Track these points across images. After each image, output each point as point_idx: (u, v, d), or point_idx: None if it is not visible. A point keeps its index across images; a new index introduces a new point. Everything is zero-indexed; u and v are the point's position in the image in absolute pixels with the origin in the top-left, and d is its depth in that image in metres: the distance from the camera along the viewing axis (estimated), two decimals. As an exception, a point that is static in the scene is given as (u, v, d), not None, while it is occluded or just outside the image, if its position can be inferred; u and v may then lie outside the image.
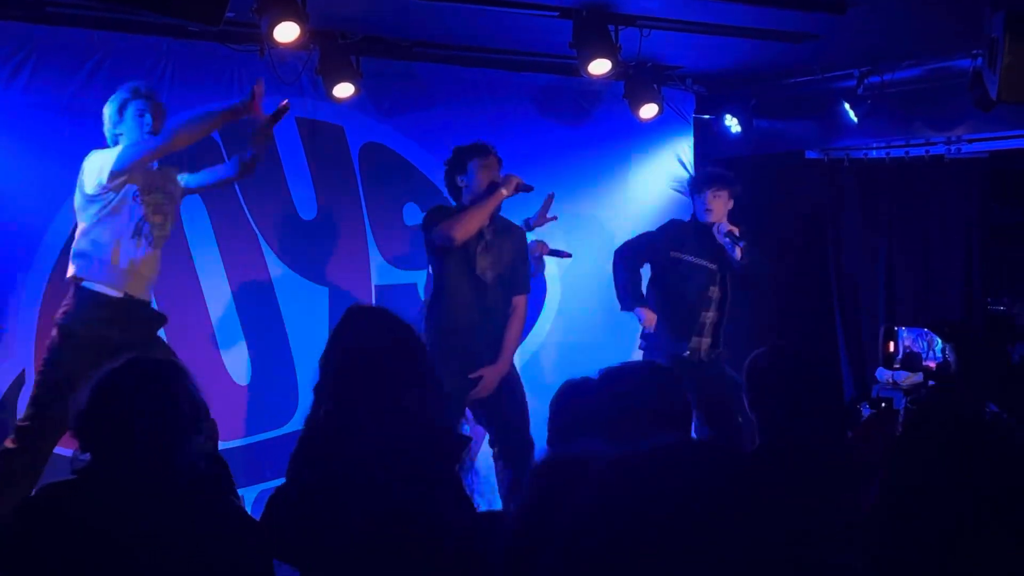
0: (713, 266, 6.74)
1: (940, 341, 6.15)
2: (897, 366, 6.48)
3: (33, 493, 2.97)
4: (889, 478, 2.13)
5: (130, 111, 5.36)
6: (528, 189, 6.05)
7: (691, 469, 1.43)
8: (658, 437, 1.46)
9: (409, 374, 3.13)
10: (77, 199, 5.36)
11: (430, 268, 6.26)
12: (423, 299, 6.53)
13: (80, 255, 5.31)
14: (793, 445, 3.45)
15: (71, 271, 5.33)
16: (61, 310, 5.32)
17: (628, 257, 6.90)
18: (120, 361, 2.99)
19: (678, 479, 1.41)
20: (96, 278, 5.28)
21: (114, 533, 2.76)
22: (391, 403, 3.06)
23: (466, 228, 5.82)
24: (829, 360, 8.11)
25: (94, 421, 2.89)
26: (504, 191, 5.89)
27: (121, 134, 5.37)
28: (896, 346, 6.49)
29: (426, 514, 2.93)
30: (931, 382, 5.78)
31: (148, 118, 5.35)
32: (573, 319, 7.75)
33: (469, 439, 3.33)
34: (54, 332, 5.32)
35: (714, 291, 6.77)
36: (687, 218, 7.00)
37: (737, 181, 6.80)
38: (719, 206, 6.69)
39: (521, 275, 6.15)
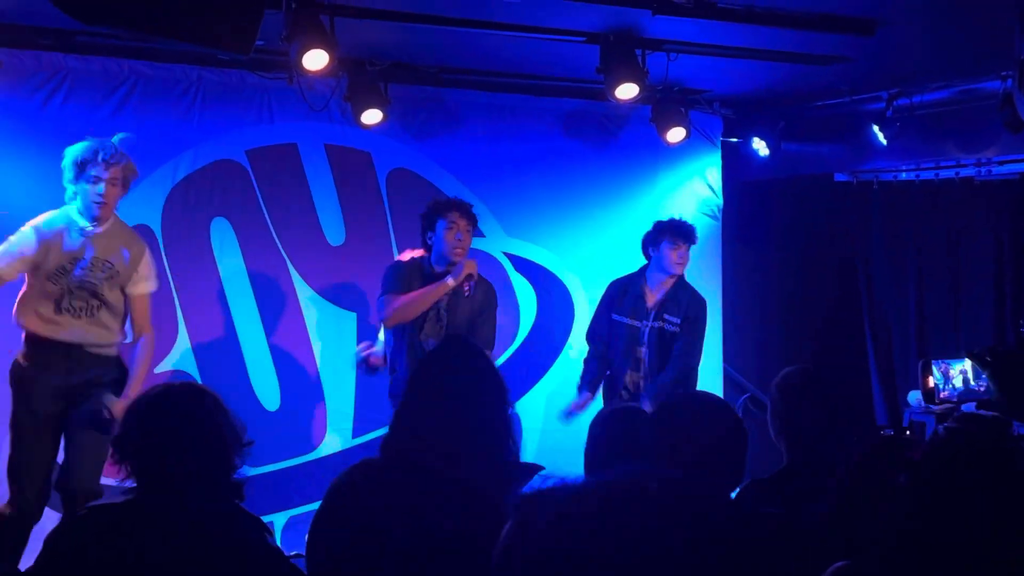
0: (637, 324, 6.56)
1: (961, 371, 6.10)
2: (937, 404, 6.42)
3: (80, 514, 2.96)
4: (913, 499, 2.11)
5: (88, 173, 5.17)
6: (473, 282, 5.87)
7: (651, 505, 1.39)
8: (621, 468, 1.43)
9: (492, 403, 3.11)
10: None
11: None
12: None
13: None
14: (822, 464, 3.44)
15: None
16: None
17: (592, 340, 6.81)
18: (156, 389, 3.00)
19: (639, 514, 1.38)
20: None
21: (156, 556, 2.76)
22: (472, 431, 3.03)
23: (400, 316, 5.76)
24: (860, 382, 8.07)
25: (137, 448, 2.89)
26: (451, 282, 5.75)
27: (76, 194, 5.20)
28: (934, 379, 6.44)
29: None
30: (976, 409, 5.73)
31: (101, 187, 5.17)
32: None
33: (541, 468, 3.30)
34: None
35: (640, 351, 6.58)
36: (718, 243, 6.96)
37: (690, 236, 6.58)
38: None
39: (481, 335, 5.87)
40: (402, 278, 5.84)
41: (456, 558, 2.75)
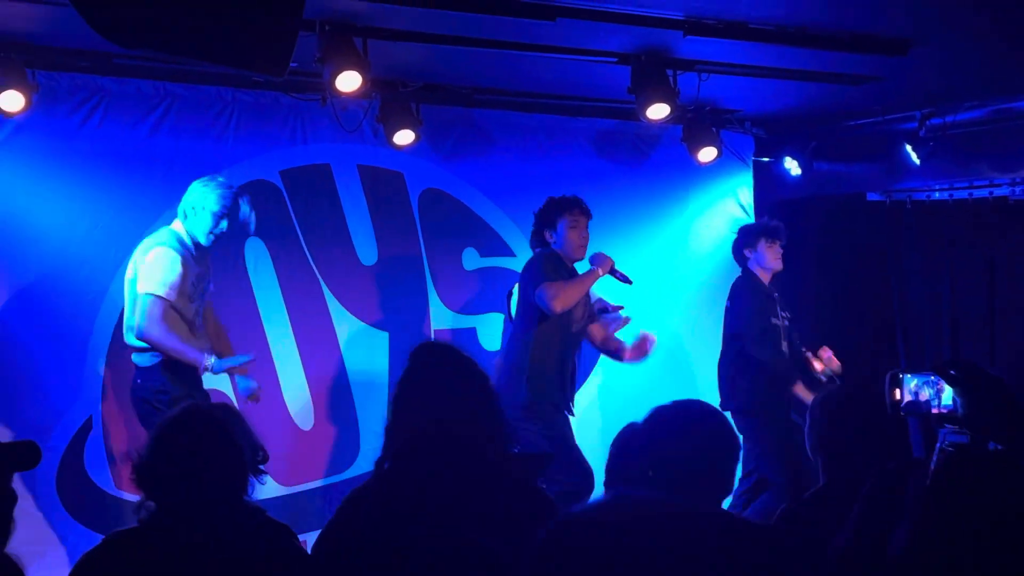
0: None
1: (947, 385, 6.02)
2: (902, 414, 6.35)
3: (101, 541, 3.00)
4: (921, 521, 2.10)
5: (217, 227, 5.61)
6: (625, 281, 6.36)
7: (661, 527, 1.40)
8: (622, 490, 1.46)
9: (479, 406, 3.13)
10: None
11: (513, 314, 6.36)
12: (504, 344, 6.53)
13: None
14: (856, 483, 3.42)
15: None
16: None
17: None
18: (178, 409, 3.03)
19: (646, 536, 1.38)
20: None
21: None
22: (463, 436, 3.05)
23: (565, 302, 6.02)
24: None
25: (155, 469, 2.92)
26: (600, 271, 6.18)
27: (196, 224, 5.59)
28: (902, 393, 6.36)
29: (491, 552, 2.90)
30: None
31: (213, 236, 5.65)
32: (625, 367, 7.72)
33: (549, 455, 3.32)
34: None
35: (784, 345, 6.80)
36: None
37: None
38: None
39: (592, 310, 6.39)
40: (553, 268, 6.13)
41: (456, 565, 2.77)
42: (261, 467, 3.08)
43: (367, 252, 7.03)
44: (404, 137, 6.61)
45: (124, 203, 6.27)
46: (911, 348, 8.19)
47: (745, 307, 6.75)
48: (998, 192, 7.46)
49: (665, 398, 6.81)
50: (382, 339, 7.04)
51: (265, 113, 6.67)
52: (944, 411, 5.85)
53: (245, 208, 5.69)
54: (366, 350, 6.98)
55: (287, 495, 6.53)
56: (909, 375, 6.33)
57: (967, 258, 7.93)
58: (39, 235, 6.10)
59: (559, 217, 6.20)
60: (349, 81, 5.43)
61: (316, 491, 6.73)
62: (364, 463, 6.87)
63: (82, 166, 6.20)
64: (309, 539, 6.43)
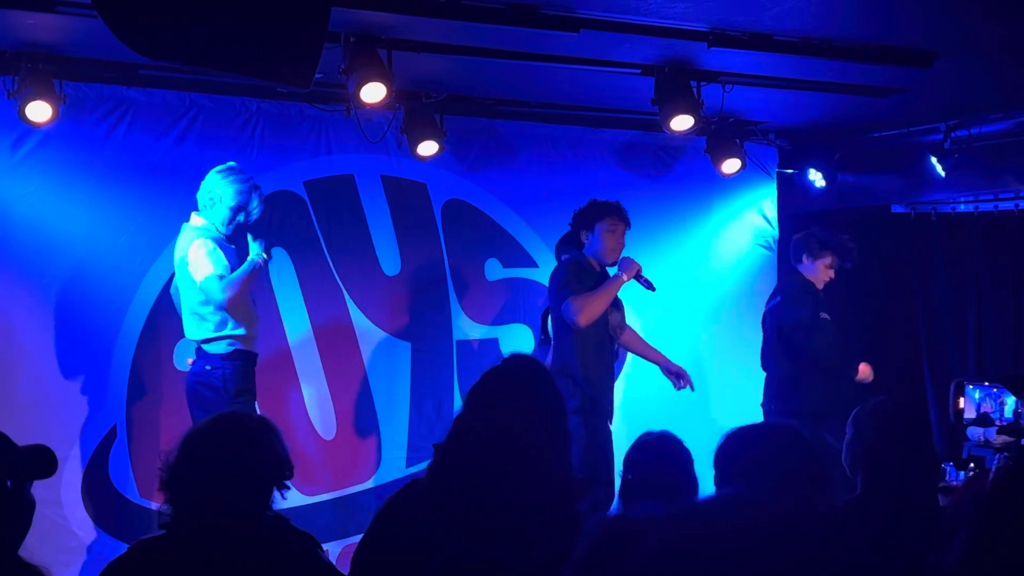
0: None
1: (1012, 397, 5.98)
2: (969, 423, 6.32)
3: (127, 549, 3.01)
4: (980, 535, 2.08)
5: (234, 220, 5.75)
6: (649, 287, 6.36)
7: (748, 524, 1.40)
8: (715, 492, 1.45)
9: (552, 423, 3.12)
10: None
11: (549, 330, 6.41)
12: (547, 348, 6.55)
13: None
14: (896, 496, 3.42)
15: None
16: None
17: None
18: (211, 417, 3.04)
19: (736, 534, 1.38)
20: None
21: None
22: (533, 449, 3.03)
23: (590, 314, 6.04)
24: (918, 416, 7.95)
25: (180, 475, 2.93)
26: (625, 277, 6.17)
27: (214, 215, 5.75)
28: (966, 402, 6.33)
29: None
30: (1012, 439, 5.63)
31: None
32: (655, 373, 7.70)
33: (591, 481, 3.32)
34: None
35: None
36: (774, 275, 6.96)
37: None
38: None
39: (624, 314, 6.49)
40: (578, 277, 6.13)
41: None
42: (288, 483, 3.08)
43: (390, 263, 7.05)
44: (428, 148, 6.63)
45: (149, 213, 6.31)
46: (935, 360, 8.14)
47: (796, 300, 6.78)
48: (1023, 204, 7.41)
49: (686, 408, 6.87)
50: (405, 349, 7.05)
51: (289, 124, 6.70)
52: (1005, 423, 5.84)
53: (254, 200, 5.77)
54: (388, 360, 6.99)
55: (308, 504, 6.53)
56: (972, 385, 6.32)
57: (992, 270, 7.87)
58: (65, 243, 6.15)
59: (598, 220, 6.22)
60: (374, 92, 5.45)
61: (337, 501, 6.74)
62: (385, 473, 6.89)
63: (108, 176, 6.25)
64: (332, 548, 6.47)
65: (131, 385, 6.27)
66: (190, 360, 5.82)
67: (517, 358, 3.40)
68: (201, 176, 6.29)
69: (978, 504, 2.09)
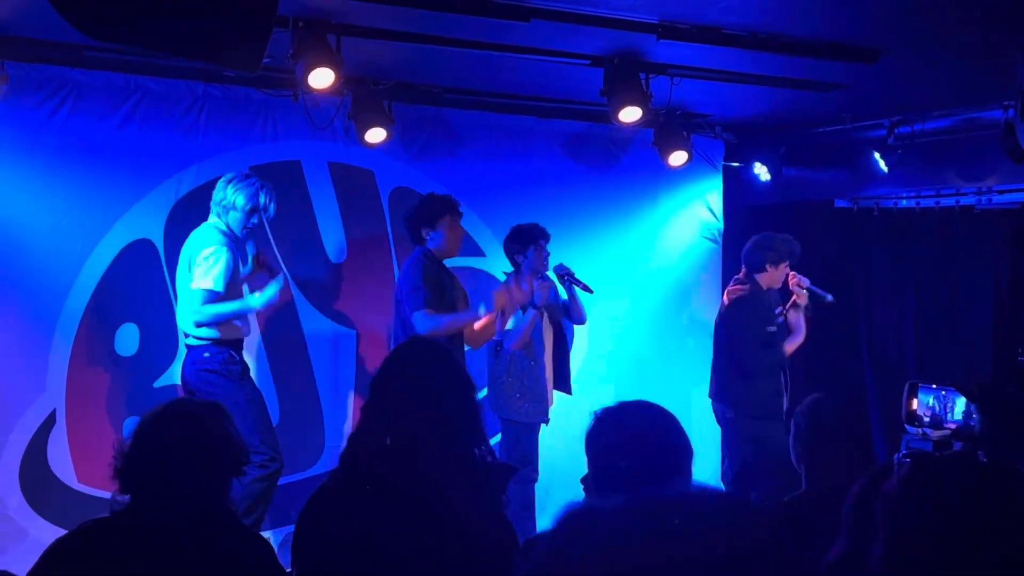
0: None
1: (964, 401, 6.07)
2: (921, 425, 6.41)
3: (75, 528, 2.98)
4: (892, 532, 2.11)
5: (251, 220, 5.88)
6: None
7: (700, 518, 1.41)
8: (668, 485, 1.45)
9: (461, 406, 3.12)
10: None
11: (395, 314, 6.35)
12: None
13: None
14: (837, 492, 3.45)
15: None
16: None
17: None
18: (164, 404, 3.02)
19: (687, 528, 1.39)
20: None
21: (149, 572, 2.76)
22: (446, 431, 3.03)
23: (436, 335, 5.87)
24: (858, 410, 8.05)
25: (134, 463, 2.91)
26: (490, 316, 6.13)
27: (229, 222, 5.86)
28: (919, 403, 6.42)
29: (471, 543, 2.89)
30: (956, 443, 5.71)
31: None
32: (600, 365, 7.74)
33: (515, 468, 3.31)
34: None
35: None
36: (719, 267, 7.00)
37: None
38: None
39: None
40: (436, 283, 6.06)
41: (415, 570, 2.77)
42: (244, 468, 3.06)
43: (336, 249, 7.02)
44: (375, 135, 6.60)
45: (92, 196, 6.23)
46: (875, 355, 8.25)
47: (744, 313, 6.88)
48: (964, 201, 7.51)
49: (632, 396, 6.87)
50: (349, 337, 7.03)
51: (236, 108, 6.64)
52: (954, 425, 5.91)
53: (263, 198, 5.87)
54: (333, 348, 6.97)
55: (252, 492, 6.49)
56: (922, 387, 6.39)
57: (932, 265, 7.98)
58: (4, 226, 6.05)
59: (440, 216, 6.17)
60: (321, 78, 5.41)
61: (280, 489, 6.69)
62: (328, 461, 6.86)
63: (50, 158, 6.15)
64: (274, 537, 6.44)
65: (71, 370, 6.18)
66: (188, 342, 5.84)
67: (407, 346, 3.40)
68: (145, 159, 6.24)
69: (888, 505, 2.12)
